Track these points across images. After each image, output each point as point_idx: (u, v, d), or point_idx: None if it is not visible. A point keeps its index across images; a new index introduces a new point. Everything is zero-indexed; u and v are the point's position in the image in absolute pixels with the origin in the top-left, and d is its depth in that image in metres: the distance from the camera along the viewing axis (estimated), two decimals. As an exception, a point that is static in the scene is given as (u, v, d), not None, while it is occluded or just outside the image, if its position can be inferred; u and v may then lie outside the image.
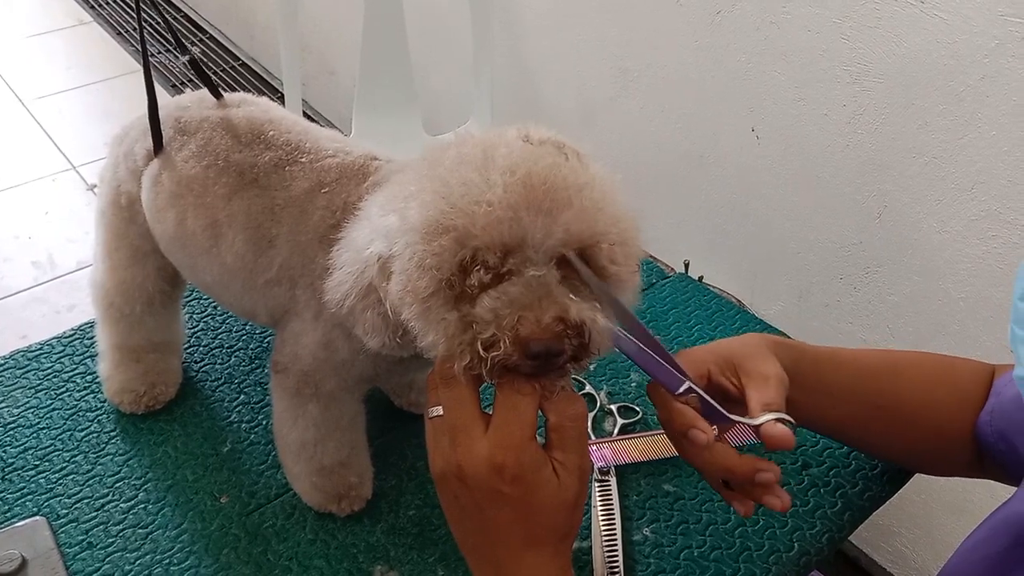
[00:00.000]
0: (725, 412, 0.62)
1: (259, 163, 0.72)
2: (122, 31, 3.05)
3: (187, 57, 0.75)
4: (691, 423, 0.61)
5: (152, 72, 0.75)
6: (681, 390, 0.60)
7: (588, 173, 0.54)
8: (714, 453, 0.62)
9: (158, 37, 3.00)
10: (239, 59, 2.88)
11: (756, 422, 0.61)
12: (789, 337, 0.86)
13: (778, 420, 0.61)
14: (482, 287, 0.51)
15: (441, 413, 0.54)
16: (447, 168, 0.53)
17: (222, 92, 0.78)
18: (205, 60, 2.87)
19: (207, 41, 2.98)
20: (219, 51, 2.93)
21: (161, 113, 0.76)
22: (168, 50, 2.92)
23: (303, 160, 0.72)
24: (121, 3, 3.20)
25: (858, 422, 0.75)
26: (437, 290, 0.52)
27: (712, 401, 0.61)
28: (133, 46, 2.93)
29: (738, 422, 0.62)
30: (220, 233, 0.72)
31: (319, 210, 0.69)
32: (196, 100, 0.78)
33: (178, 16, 3.13)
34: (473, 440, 0.53)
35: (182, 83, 2.70)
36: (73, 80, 2.83)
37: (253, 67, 2.83)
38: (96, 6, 3.21)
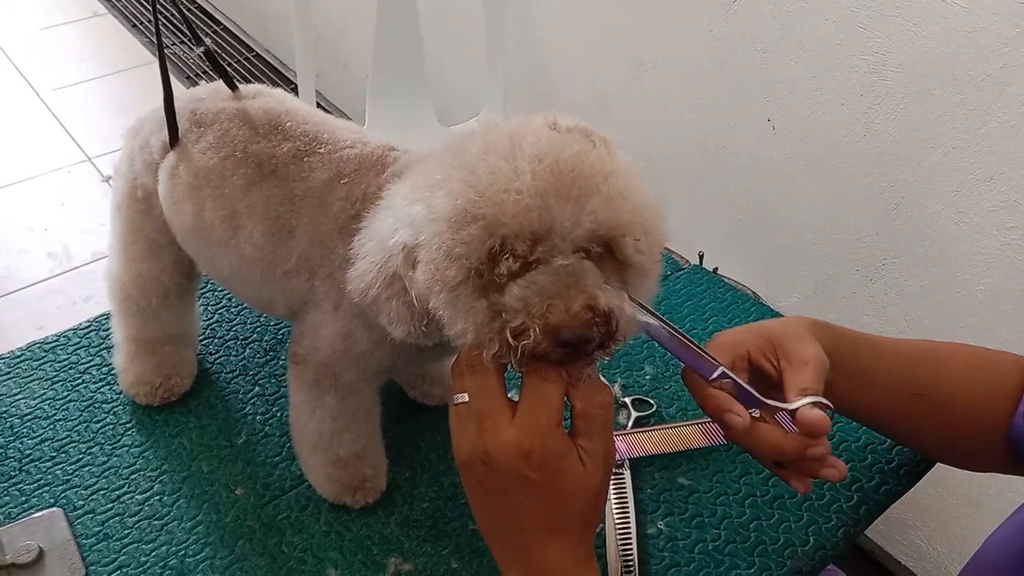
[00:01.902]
0: (759, 396, 0.61)
1: (277, 154, 0.72)
2: (137, 23, 3.06)
3: (202, 49, 0.75)
4: (726, 407, 0.60)
5: (169, 63, 0.75)
6: (715, 376, 0.60)
7: (614, 161, 0.54)
8: (760, 433, 0.61)
9: (173, 28, 3.00)
10: (253, 50, 2.88)
11: (792, 407, 0.60)
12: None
13: (815, 404, 0.60)
14: (511, 276, 0.52)
15: (467, 400, 0.54)
16: (474, 157, 0.53)
17: (237, 84, 0.78)
18: (219, 52, 2.88)
19: (221, 32, 2.98)
20: (233, 42, 2.93)
21: (176, 105, 0.76)
22: (183, 42, 2.93)
23: (321, 151, 0.72)
24: (135, -5, 3.20)
25: (894, 409, 0.74)
26: (466, 279, 0.52)
27: (746, 386, 0.61)
28: (148, 37, 2.94)
29: (773, 407, 0.61)
30: (239, 224, 0.72)
31: (339, 200, 0.69)
32: (211, 92, 0.78)
33: (192, 7, 3.13)
34: (500, 426, 0.53)
35: (197, 74, 2.70)
36: (88, 72, 2.84)
37: (267, 58, 2.83)
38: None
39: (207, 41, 0.74)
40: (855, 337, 0.72)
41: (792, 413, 0.61)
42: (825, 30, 1.25)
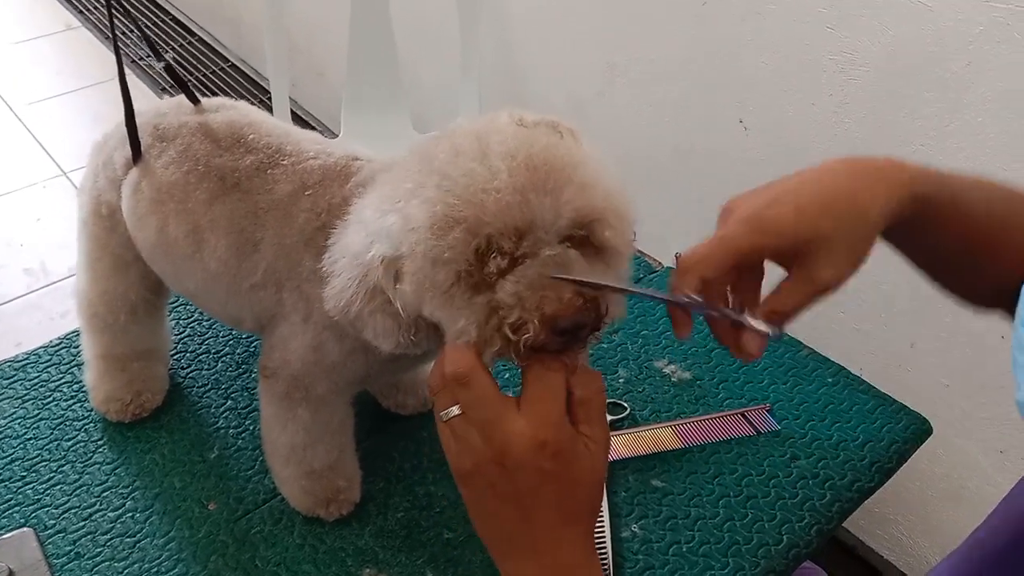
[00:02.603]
0: (725, 313, 0.59)
1: (240, 167, 0.72)
2: (111, 35, 3.04)
3: (163, 64, 0.75)
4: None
5: (141, 76, 0.75)
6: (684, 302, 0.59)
7: (582, 150, 0.56)
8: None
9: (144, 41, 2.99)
10: (228, 60, 2.87)
11: (749, 324, 0.58)
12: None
13: (768, 332, 0.58)
14: (500, 273, 0.52)
15: (459, 413, 0.53)
16: (444, 161, 0.53)
17: (199, 97, 0.78)
18: (193, 62, 2.86)
19: (195, 43, 2.96)
20: (207, 52, 2.92)
21: (139, 121, 0.75)
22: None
23: (284, 163, 0.71)
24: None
25: (980, 241, 0.65)
26: (456, 281, 0.52)
27: (712, 310, 0.59)
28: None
29: (730, 317, 0.59)
30: (203, 239, 0.72)
31: (303, 212, 0.69)
32: (174, 106, 0.78)
33: (165, 18, 3.11)
34: (511, 424, 0.52)
35: (172, 86, 2.69)
36: (62, 85, 2.82)
37: (242, 68, 2.82)
38: (84, 10, 3.20)
39: (168, 56, 0.74)
40: (951, 195, 0.63)
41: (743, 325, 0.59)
42: (794, 31, 1.25)
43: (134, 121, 0.75)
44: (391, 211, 0.55)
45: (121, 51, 0.74)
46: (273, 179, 0.71)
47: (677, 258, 0.63)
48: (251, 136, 0.74)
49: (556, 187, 0.52)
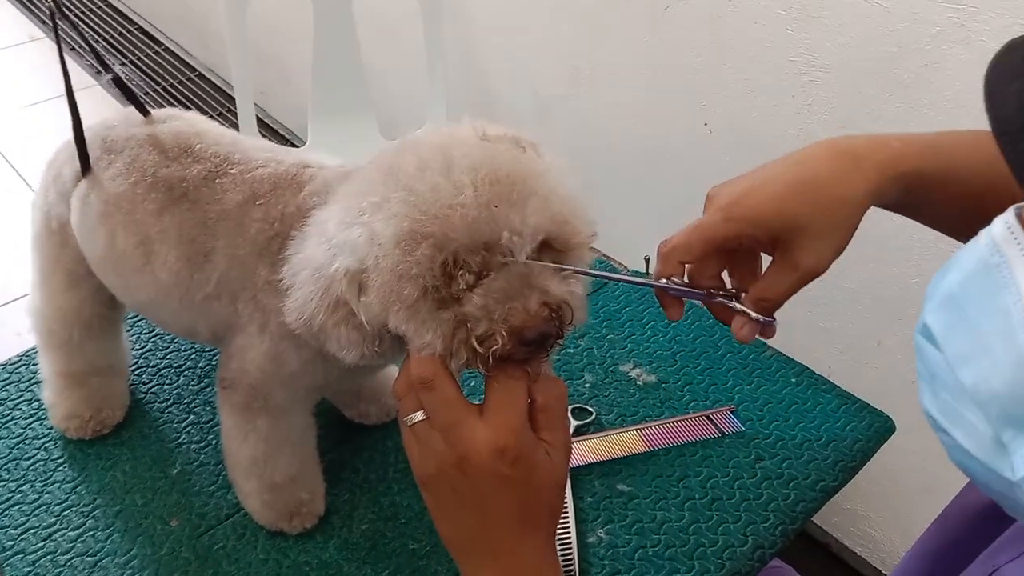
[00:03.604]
0: (706, 293, 0.62)
1: (188, 177, 0.71)
2: (75, 46, 3.00)
3: (110, 76, 0.74)
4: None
5: (108, 87, 0.74)
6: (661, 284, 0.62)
7: (543, 162, 0.57)
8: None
9: (112, 50, 2.96)
10: (195, 69, 2.85)
11: (738, 308, 0.61)
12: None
13: (759, 319, 0.60)
14: (467, 288, 0.53)
15: (422, 418, 0.54)
16: (411, 176, 0.53)
17: (149, 109, 0.77)
18: (159, 71, 2.83)
19: (161, 52, 2.94)
20: (174, 62, 2.89)
21: (88, 134, 0.75)
22: (123, 63, 2.88)
23: (233, 171, 0.71)
24: (74, 17, 3.15)
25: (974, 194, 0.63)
26: (423, 295, 0.53)
27: (690, 291, 0.62)
28: (87, 60, 2.89)
29: (720, 301, 0.62)
30: (152, 250, 0.72)
31: (256, 222, 0.69)
32: (123, 118, 0.77)
33: (131, 27, 3.08)
34: (472, 430, 0.53)
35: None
36: (26, 97, 2.79)
37: (209, 77, 2.80)
38: (48, 21, 3.16)
39: (118, 68, 0.73)
40: (934, 172, 0.63)
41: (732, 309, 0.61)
42: (755, 33, 1.26)
43: (82, 134, 0.74)
44: (355, 224, 0.55)
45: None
46: (222, 188, 0.70)
47: (647, 261, 0.64)
48: (198, 146, 0.73)
49: (520, 199, 0.53)
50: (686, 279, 0.63)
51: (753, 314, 0.61)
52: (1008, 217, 0.40)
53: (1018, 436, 0.41)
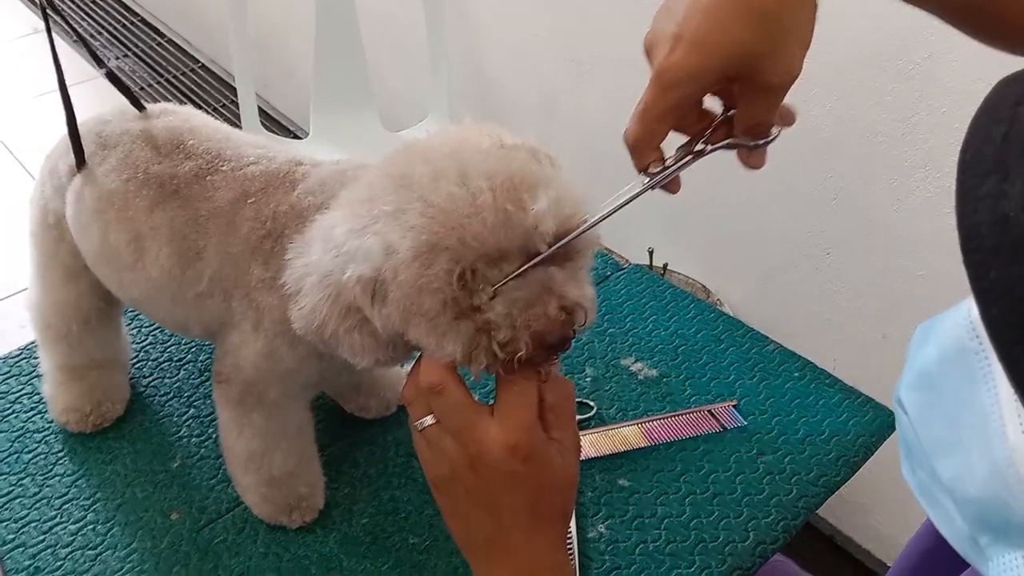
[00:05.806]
0: (696, 154, 0.59)
1: (179, 174, 0.71)
2: (79, 38, 3.00)
3: (104, 71, 0.74)
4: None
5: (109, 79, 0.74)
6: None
7: (552, 168, 0.57)
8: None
9: (115, 42, 2.95)
10: (199, 61, 2.84)
11: (737, 143, 0.58)
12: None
13: (758, 142, 0.57)
14: (489, 299, 0.53)
15: (433, 422, 0.55)
16: (425, 187, 0.53)
17: (144, 104, 0.76)
18: (163, 63, 2.83)
19: (165, 44, 2.93)
20: (177, 54, 2.89)
21: (82, 128, 0.74)
22: (126, 55, 2.88)
23: (224, 168, 0.71)
24: (79, 9, 3.14)
25: None
26: (443, 307, 0.53)
27: (683, 162, 0.59)
28: (92, 52, 2.89)
29: (715, 150, 0.59)
30: (144, 247, 0.71)
31: (248, 221, 0.68)
32: (118, 113, 0.77)
33: (133, 19, 3.08)
34: (484, 430, 0.53)
35: (141, 88, 2.66)
36: (30, 89, 2.78)
37: (213, 69, 2.80)
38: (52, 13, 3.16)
39: (111, 65, 0.73)
40: None
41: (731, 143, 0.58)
42: (758, 24, 1.25)
43: (76, 127, 0.74)
44: (367, 232, 0.55)
45: (58, 58, 0.73)
46: (213, 186, 0.70)
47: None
48: (191, 142, 0.73)
49: (533, 203, 0.53)
50: (667, 157, 0.59)
51: (752, 143, 0.57)
52: None
53: (994, 544, 0.39)
